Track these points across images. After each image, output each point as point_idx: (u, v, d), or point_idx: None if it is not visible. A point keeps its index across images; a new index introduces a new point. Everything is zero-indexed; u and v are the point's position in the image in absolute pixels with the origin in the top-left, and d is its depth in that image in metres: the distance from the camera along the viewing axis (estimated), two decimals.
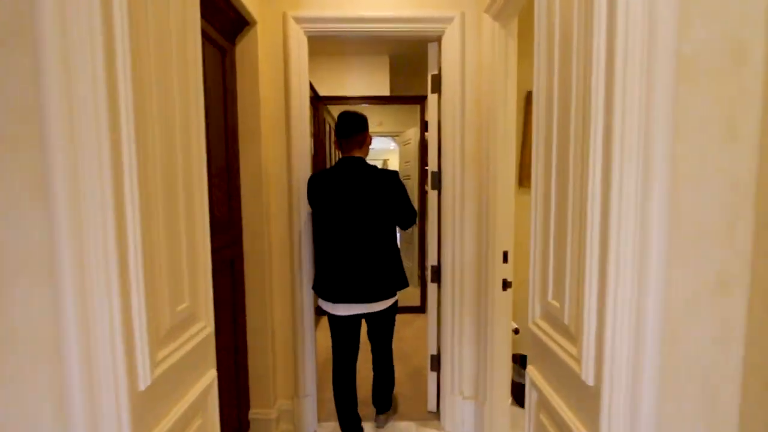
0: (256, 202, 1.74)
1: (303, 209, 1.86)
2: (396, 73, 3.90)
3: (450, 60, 1.81)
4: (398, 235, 2.05)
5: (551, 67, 0.77)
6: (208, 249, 0.86)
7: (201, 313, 0.83)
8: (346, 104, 3.55)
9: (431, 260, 2.02)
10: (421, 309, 3.85)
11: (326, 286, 1.72)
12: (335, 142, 1.81)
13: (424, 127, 3.63)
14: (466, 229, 1.86)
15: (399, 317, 3.76)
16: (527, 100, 2.30)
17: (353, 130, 1.72)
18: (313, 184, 1.74)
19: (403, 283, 1.82)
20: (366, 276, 1.70)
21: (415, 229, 4.56)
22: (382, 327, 1.90)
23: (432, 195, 1.98)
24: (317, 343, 3.07)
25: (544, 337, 0.78)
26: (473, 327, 1.91)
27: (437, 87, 1.91)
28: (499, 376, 1.81)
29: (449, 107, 1.83)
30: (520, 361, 2.20)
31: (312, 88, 3.28)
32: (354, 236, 1.69)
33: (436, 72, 1.92)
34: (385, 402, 2.06)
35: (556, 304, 0.73)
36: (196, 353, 0.79)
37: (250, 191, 1.73)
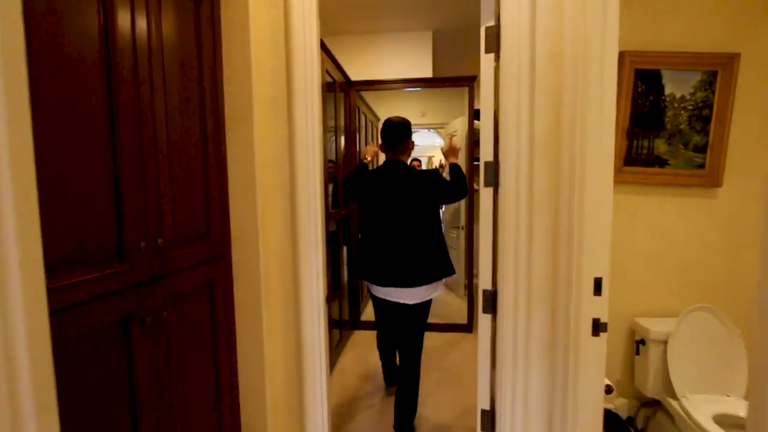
0: (247, 203, 1.32)
1: (313, 209, 1.41)
2: (440, 53, 3.37)
3: (514, 4, 1.27)
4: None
5: None
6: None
7: None
8: (382, 89, 3.09)
9: (483, 281, 1.49)
10: (468, 328, 3.29)
11: (373, 270, 1.87)
12: (380, 146, 1.99)
13: (473, 114, 3.07)
14: (536, 242, 1.31)
15: (442, 337, 3.24)
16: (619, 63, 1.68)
17: (400, 139, 1.90)
18: (359, 178, 1.96)
19: (449, 270, 1.89)
20: (409, 263, 1.82)
21: (460, 233, 4.00)
22: (412, 323, 1.90)
23: (485, 194, 1.45)
24: (346, 371, 2.64)
25: None
26: (545, 381, 1.35)
27: (494, 44, 1.37)
28: None
29: (512, 71, 1.28)
30: (607, 424, 1.60)
31: (342, 71, 2.85)
32: (397, 228, 1.84)
33: (492, 23, 1.38)
34: (407, 427, 1.93)
35: None
36: None
37: (240, 189, 1.32)
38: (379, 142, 1.95)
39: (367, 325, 3.41)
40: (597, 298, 1.19)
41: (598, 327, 1.18)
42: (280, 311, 1.42)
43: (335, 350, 2.78)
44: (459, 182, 1.88)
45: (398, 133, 1.88)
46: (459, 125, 3.97)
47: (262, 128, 1.34)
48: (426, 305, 1.90)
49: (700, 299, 1.75)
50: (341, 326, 3.00)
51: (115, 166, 0.85)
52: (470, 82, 2.94)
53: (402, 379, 1.91)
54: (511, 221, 1.32)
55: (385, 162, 1.93)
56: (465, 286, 4.12)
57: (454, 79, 3.03)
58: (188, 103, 1.11)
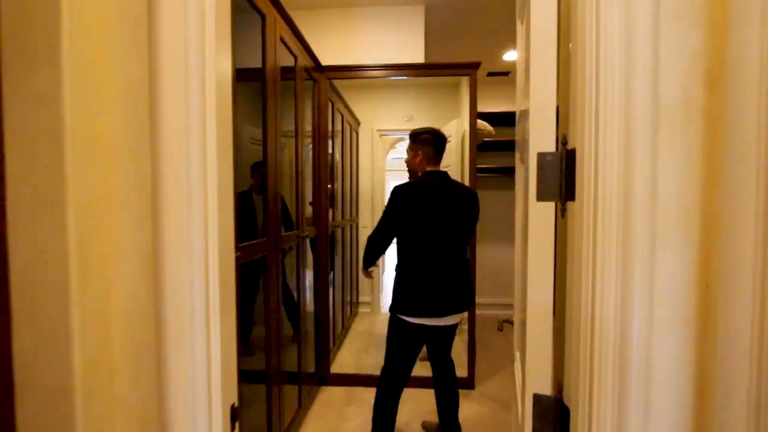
0: (47, 234, 0.61)
1: (199, 242, 0.71)
2: (434, 36, 2.75)
3: None
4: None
5: None
6: None
7: None
8: (362, 76, 2.43)
9: (535, 380, 0.80)
10: (469, 383, 2.58)
11: (421, 301, 1.75)
12: (420, 159, 1.89)
13: (476, 111, 2.43)
14: (659, 307, 0.64)
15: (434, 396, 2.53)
16: None
17: (444, 145, 1.89)
18: (404, 195, 1.79)
19: (473, 301, 1.94)
20: (459, 286, 1.80)
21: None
22: (447, 342, 1.93)
23: (539, 214, 0.78)
24: None
25: None
26: None
27: None
28: None
29: None
30: None
31: (309, 52, 2.19)
32: (448, 248, 1.79)
33: None
34: (455, 424, 1.97)
35: None
36: None
37: (30, 205, 0.61)
38: (417, 153, 1.87)
39: (340, 380, 2.66)
40: None
41: None
42: None
43: (291, 425, 2.02)
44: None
45: (444, 141, 1.89)
46: (453, 129, 3.35)
47: (91, 75, 0.64)
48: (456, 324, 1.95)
49: None
50: (301, 381, 2.24)
51: None
52: (473, 69, 2.32)
53: (443, 377, 1.94)
54: (610, 267, 0.64)
55: (428, 173, 1.86)
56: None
57: (452, 65, 2.41)
58: None
